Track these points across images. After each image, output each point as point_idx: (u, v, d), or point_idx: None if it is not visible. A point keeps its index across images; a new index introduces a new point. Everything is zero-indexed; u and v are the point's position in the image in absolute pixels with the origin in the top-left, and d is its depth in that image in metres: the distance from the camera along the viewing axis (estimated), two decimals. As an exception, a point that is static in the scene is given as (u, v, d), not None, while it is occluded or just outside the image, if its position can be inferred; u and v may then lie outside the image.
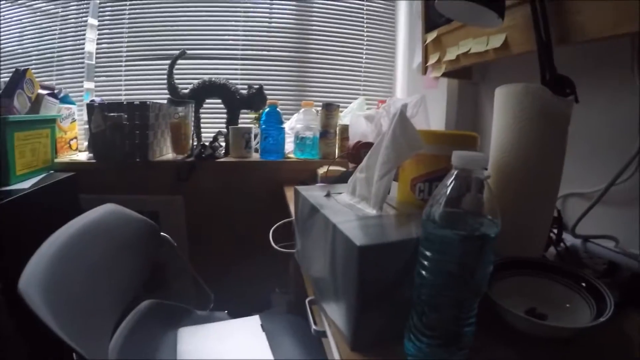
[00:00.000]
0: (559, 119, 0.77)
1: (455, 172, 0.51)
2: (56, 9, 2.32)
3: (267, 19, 2.39)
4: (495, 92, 0.86)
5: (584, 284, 0.67)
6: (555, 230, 0.95)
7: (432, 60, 1.52)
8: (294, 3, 2.38)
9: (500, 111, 0.84)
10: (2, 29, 2.38)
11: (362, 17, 2.42)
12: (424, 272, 0.52)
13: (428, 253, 0.51)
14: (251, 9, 2.36)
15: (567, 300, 0.67)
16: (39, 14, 2.35)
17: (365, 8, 2.41)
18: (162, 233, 1.37)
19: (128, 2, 2.30)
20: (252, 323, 1.33)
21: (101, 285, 1.04)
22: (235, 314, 1.44)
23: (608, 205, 0.96)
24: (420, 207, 0.61)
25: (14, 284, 0.76)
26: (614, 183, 0.90)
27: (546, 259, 0.86)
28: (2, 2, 2.38)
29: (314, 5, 2.38)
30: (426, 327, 0.53)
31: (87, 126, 1.91)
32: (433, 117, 1.66)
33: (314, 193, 0.88)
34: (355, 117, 1.79)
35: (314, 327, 0.77)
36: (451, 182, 0.51)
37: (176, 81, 1.96)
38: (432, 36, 1.48)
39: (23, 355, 1.34)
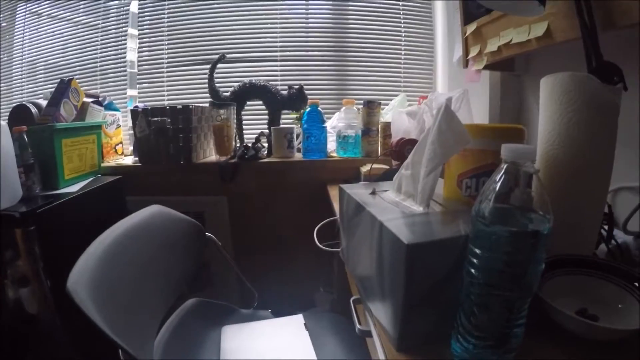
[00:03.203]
0: (608, 108, 0.74)
1: (505, 166, 0.50)
2: (96, 21, 2.42)
3: (303, 20, 2.42)
4: (540, 83, 0.83)
5: (637, 284, 0.64)
6: (606, 227, 0.91)
7: (473, 52, 1.49)
8: (330, 3, 2.39)
9: (547, 102, 0.81)
10: (46, 43, 2.50)
11: (399, 13, 2.40)
12: (473, 271, 0.51)
13: (478, 251, 0.51)
14: (287, 11, 2.39)
15: (620, 300, 0.65)
16: (80, 26, 2.46)
17: (401, 4, 2.39)
18: (207, 233, 1.40)
19: (166, 11, 2.36)
20: (296, 322, 1.34)
21: (147, 284, 1.07)
22: (279, 312, 1.45)
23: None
24: (467, 204, 0.60)
25: (63, 284, 0.80)
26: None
27: (597, 257, 0.83)
28: (45, 19, 2.50)
29: (350, 4, 2.38)
30: (475, 328, 0.53)
31: (131, 131, 1.97)
32: (476, 111, 1.63)
33: (359, 191, 0.88)
34: (397, 114, 1.78)
35: (358, 326, 0.77)
36: (501, 176, 0.50)
37: (217, 84, 2.00)
38: (471, 28, 1.46)
39: (70, 354, 1.40)
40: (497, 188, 0.50)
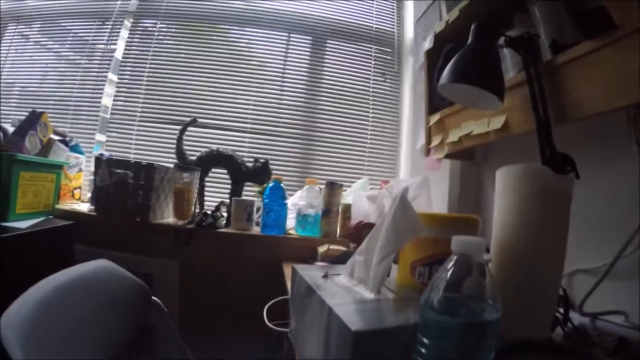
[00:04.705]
0: (560, 197, 0.76)
1: (455, 257, 0.50)
2: (81, 59, 2.45)
3: (277, 96, 2.48)
4: (496, 174, 0.86)
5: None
6: (562, 310, 0.91)
7: (435, 142, 1.54)
8: (304, 82, 2.49)
9: (502, 192, 0.83)
10: (27, 68, 2.51)
11: (368, 99, 2.50)
12: (420, 360, 0.50)
13: (425, 340, 0.50)
14: (263, 85, 2.47)
15: None
16: (63, 61, 2.48)
17: (371, 90, 2.51)
18: (153, 297, 1.35)
19: (148, 64, 2.42)
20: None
21: (83, 341, 1.02)
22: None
23: (615, 279, 0.93)
24: (420, 291, 0.59)
25: None
26: (620, 256, 0.89)
27: (553, 340, 0.82)
28: (31, 44, 2.52)
29: (324, 84, 2.48)
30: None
31: (92, 178, 1.93)
32: (436, 199, 1.65)
33: (311, 273, 0.87)
34: (358, 197, 1.79)
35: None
36: (451, 267, 0.50)
37: (185, 147, 2.01)
38: (435, 118, 1.51)
39: None
40: (447, 277, 0.50)
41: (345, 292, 0.73)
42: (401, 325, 0.57)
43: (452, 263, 0.50)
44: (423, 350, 0.50)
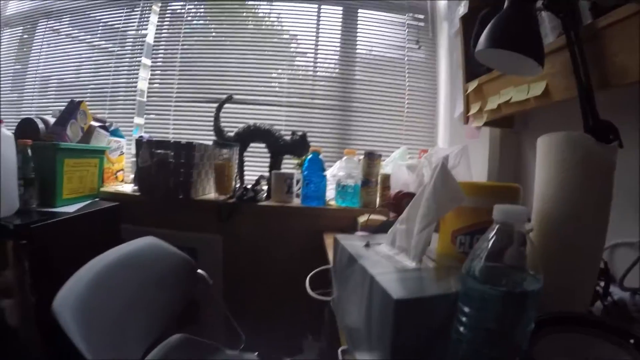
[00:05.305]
0: (603, 167, 0.75)
1: (497, 226, 0.50)
2: (113, 47, 2.51)
3: (311, 68, 2.48)
4: (537, 142, 0.84)
5: (632, 341, 0.62)
6: (602, 284, 0.90)
7: (474, 110, 1.51)
8: (338, 53, 2.47)
9: (543, 161, 0.82)
10: (62, 61, 2.59)
11: (404, 67, 2.46)
12: (461, 328, 0.51)
13: (466, 309, 0.50)
14: (297, 58, 2.47)
15: (615, 359, 0.63)
16: (96, 50, 2.55)
17: (406, 58, 2.46)
18: (198, 270, 1.40)
19: (180, 46, 2.45)
20: (282, 368, 1.31)
21: (133, 314, 1.06)
22: (266, 357, 1.43)
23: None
24: (460, 260, 0.59)
25: (48, 301, 0.80)
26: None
27: (592, 314, 0.81)
28: (63, 38, 2.59)
29: (357, 55, 2.46)
30: (462, 386, 0.51)
31: (134, 160, 1.99)
32: (475, 168, 1.63)
33: (353, 243, 0.88)
34: (397, 167, 1.78)
35: (344, 377, 0.75)
36: (492, 236, 0.50)
37: (222, 124, 2.03)
38: (472, 85, 1.48)
39: None
40: (489, 247, 0.50)
41: (387, 261, 0.73)
42: (442, 294, 0.57)
43: (493, 232, 0.50)
44: (464, 319, 0.51)
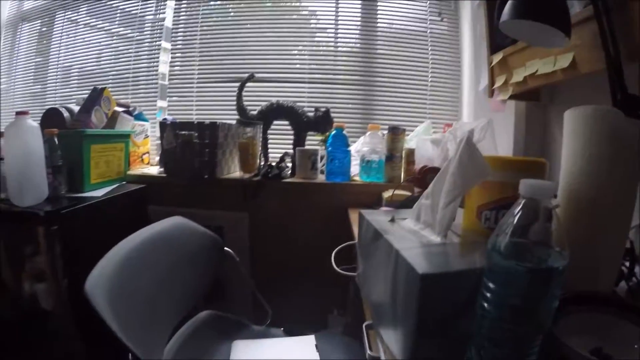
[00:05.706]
0: (631, 142, 0.72)
1: (523, 201, 0.50)
2: (132, 33, 2.52)
3: (332, 43, 2.46)
4: (564, 116, 0.83)
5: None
6: (627, 264, 0.88)
7: (499, 82, 1.49)
8: (358, 28, 2.44)
9: (570, 135, 0.80)
10: (82, 50, 2.63)
11: (426, 40, 2.42)
12: (486, 304, 0.51)
13: (491, 284, 0.50)
14: (317, 34, 2.44)
15: (637, 340, 0.62)
16: (115, 37, 2.57)
17: (428, 31, 2.41)
18: (225, 248, 1.42)
19: (199, 27, 2.45)
20: (307, 342, 1.34)
21: (163, 293, 1.09)
22: (291, 332, 1.45)
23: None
24: (485, 235, 0.59)
25: (80, 284, 0.83)
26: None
27: (616, 294, 0.80)
28: (81, 27, 2.62)
29: (379, 29, 2.42)
30: (485, 361, 0.52)
31: (159, 142, 2.02)
32: (500, 141, 1.61)
33: (378, 218, 0.88)
34: (421, 141, 1.77)
35: (368, 352, 0.76)
36: (518, 211, 0.50)
37: (245, 103, 2.04)
38: (497, 58, 1.46)
39: (80, 353, 1.42)
40: (515, 222, 0.49)
41: (412, 236, 0.74)
42: (467, 269, 0.58)
43: (519, 207, 0.50)
44: (488, 294, 0.51)
